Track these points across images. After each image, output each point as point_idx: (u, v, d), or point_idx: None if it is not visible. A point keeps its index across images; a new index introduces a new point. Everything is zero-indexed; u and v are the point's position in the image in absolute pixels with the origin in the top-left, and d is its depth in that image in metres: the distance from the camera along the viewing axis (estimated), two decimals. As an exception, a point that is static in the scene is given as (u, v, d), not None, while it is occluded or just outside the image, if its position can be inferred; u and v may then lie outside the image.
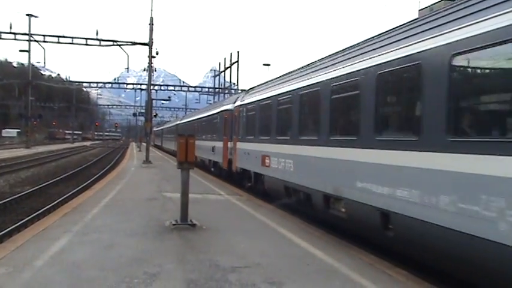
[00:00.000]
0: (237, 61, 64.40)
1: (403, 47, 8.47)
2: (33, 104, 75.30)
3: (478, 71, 7.14)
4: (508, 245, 5.86)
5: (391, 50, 8.90)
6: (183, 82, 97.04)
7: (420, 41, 8.00)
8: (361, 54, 10.52)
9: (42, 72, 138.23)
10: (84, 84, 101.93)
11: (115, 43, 42.45)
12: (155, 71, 45.57)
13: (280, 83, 16.54)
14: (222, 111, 26.29)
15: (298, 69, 15.81)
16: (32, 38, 47.78)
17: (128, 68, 45.80)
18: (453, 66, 7.14)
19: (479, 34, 6.59)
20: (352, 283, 7.20)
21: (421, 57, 7.88)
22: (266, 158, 16.60)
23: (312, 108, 13.07)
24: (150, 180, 22.41)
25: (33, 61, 65.50)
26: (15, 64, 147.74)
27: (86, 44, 44.38)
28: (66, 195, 19.05)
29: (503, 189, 6.03)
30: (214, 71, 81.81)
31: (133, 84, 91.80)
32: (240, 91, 51.66)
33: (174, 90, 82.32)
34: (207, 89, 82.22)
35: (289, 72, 16.77)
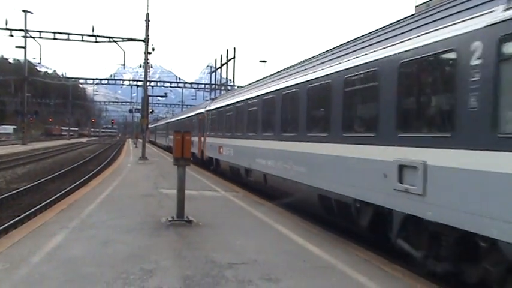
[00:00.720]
0: (234, 57, 64.26)
1: (365, 54, 9.88)
2: (29, 100, 75.11)
3: (416, 78, 8.34)
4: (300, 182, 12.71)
5: (355, 56, 10.42)
6: (180, 78, 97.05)
7: (377, 50, 9.36)
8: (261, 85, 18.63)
9: (38, 68, 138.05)
10: (80, 81, 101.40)
11: (111, 39, 42.34)
12: (151, 67, 45.54)
13: (226, 98, 25.81)
14: (197, 113, 33.67)
15: (237, 89, 26.80)
16: (27, 34, 47.64)
17: (124, 65, 45.67)
18: (401, 73, 8.51)
19: (418, 47, 8.00)
20: (349, 279, 7.22)
21: (377, 64, 9.25)
22: (221, 148, 23.82)
23: (240, 114, 20.52)
24: (146, 177, 22.40)
25: (29, 57, 65.33)
26: (11, 60, 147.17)
27: (82, 40, 44.23)
28: (63, 191, 19.01)
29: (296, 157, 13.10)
30: (211, 67, 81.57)
31: (129, 80, 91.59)
32: (236, 87, 51.93)
33: (170, 86, 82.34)
34: (203, 86, 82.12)
35: (233, 90, 27.81)
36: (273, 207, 14.47)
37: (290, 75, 14.69)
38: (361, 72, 9.88)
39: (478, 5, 6.88)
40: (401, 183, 8.08)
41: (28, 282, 6.56)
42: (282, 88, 14.90)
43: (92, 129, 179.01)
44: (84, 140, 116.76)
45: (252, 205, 14.72)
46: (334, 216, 11.23)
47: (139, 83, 74.68)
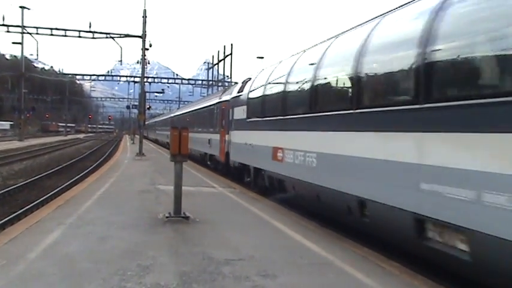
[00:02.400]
0: (231, 54, 64.23)
1: (211, 100, 29.90)
2: (26, 96, 74.95)
3: (207, 115, 30.00)
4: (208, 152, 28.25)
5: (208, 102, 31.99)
6: (177, 75, 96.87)
7: (214, 99, 27.95)
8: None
9: (35, 64, 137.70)
10: (78, 77, 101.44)
11: (108, 35, 42.28)
12: (149, 63, 45.51)
13: (177, 111, 57.85)
14: (170, 116, 58.60)
15: (180, 107, 65.13)
16: (24, 30, 47.46)
17: (121, 61, 45.71)
18: (209, 111, 29.14)
19: (208, 105, 30.18)
20: (346, 275, 7.22)
21: (213, 105, 27.61)
22: None
23: (178, 120, 45.79)
24: (143, 173, 22.39)
25: (26, 53, 65.15)
26: (8, 56, 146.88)
27: (79, 37, 44.13)
28: (60, 187, 19.02)
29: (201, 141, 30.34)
30: (208, 63, 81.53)
31: (126, 76, 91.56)
32: (233, 83, 52.40)
33: (167, 82, 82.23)
34: (200, 82, 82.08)
35: (181, 107, 64.76)
36: (269, 203, 14.46)
37: (183, 108, 52.97)
38: (199, 110, 33.46)
39: (216, 97, 27.98)
40: (209, 145, 26.87)
41: (25, 278, 6.54)
42: (186, 111, 42.45)
43: (89, 126, 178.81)
44: (81, 136, 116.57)
45: (249, 201, 14.72)
46: (203, 160, 29.17)
47: (137, 79, 74.55)
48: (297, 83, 13.05)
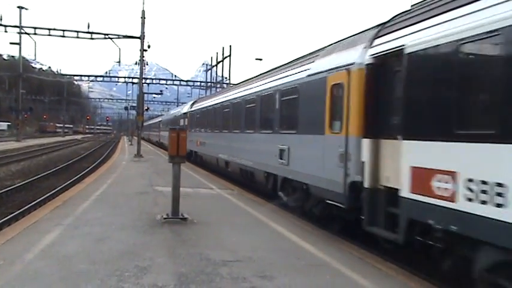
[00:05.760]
0: (229, 55, 64.29)
1: (157, 119, 71.88)
2: (23, 97, 74.84)
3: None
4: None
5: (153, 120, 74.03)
6: (175, 76, 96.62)
7: (159, 119, 71.19)
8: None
9: (33, 65, 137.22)
10: (76, 78, 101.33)
11: (106, 36, 42.16)
12: (147, 64, 45.35)
13: (161, 117, 73.73)
14: (149, 123, 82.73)
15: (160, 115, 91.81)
16: (22, 31, 47.46)
17: (119, 62, 45.56)
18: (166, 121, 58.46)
19: (158, 121, 69.87)
20: (343, 277, 7.25)
21: (158, 122, 68.13)
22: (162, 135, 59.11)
23: (151, 126, 79.09)
24: (141, 174, 22.38)
25: (23, 54, 65.04)
26: (5, 57, 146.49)
27: (77, 37, 43.95)
28: (57, 188, 18.97)
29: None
30: (207, 65, 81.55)
31: (125, 77, 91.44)
32: (232, 85, 52.55)
33: (166, 84, 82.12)
34: (199, 83, 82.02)
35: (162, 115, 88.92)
36: (267, 205, 14.48)
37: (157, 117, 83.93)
38: (155, 122, 73.34)
39: (159, 117, 73.13)
40: (159, 135, 61.12)
41: (22, 279, 6.56)
42: (152, 122, 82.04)
43: (87, 127, 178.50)
44: (78, 137, 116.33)
45: (247, 203, 14.73)
46: (156, 141, 63.34)
47: (135, 80, 74.55)
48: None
